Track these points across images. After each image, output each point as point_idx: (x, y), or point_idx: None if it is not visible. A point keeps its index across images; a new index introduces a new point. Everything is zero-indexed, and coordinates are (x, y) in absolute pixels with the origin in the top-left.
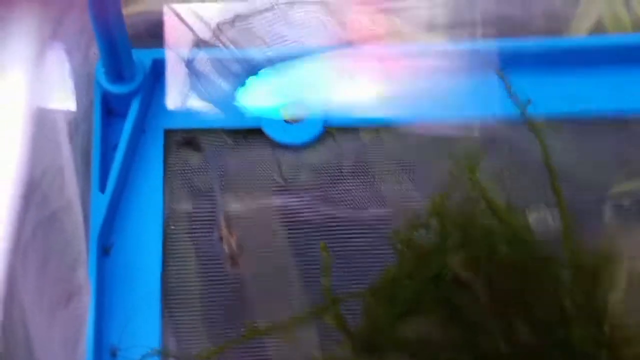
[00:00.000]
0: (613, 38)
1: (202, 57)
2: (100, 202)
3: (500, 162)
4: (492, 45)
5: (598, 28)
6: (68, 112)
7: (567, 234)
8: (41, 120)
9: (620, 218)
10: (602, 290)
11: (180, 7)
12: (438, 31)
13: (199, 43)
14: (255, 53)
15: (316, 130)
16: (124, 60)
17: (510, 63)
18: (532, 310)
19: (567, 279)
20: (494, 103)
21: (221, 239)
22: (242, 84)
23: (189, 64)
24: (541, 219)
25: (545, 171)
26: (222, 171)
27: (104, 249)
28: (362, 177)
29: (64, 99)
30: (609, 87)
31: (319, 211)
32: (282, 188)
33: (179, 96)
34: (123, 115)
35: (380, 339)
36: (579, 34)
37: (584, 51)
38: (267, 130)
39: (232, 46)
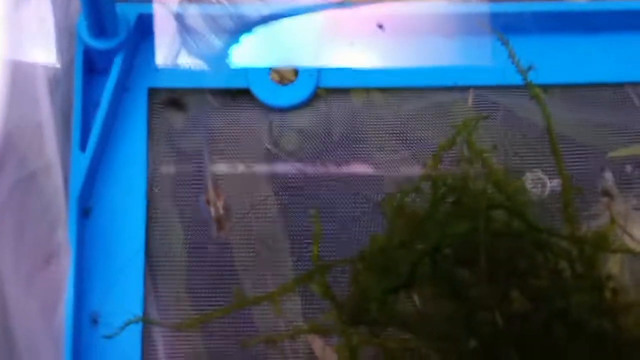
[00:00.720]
0: (613, 3)
1: (193, 13)
2: (81, 161)
3: (497, 129)
4: (490, 8)
5: None
6: (48, 68)
7: (568, 199)
8: (19, 76)
9: (622, 183)
10: (603, 257)
11: None
12: None
13: None
14: (248, 9)
15: (307, 93)
16: (107, 14)
17: (509, 28)
18: (530, 280)
19: (566, 246)
20: (491, 68)
21: (207, 202)
22: (233, 42)
23: (178, 19)
24: (538, 183)
25: (543, 138)
26: (209, 133)
27: (84, 211)
28: (353, 141)
29: (44, 54)
30: (609, 54)
31: (308, 175)
32: (271, 151)
33: (167, 53)
34: (105, 73)
35: (371, 310)
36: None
37: (584, 17)
38: (256, 92)
39: (224, 1)
